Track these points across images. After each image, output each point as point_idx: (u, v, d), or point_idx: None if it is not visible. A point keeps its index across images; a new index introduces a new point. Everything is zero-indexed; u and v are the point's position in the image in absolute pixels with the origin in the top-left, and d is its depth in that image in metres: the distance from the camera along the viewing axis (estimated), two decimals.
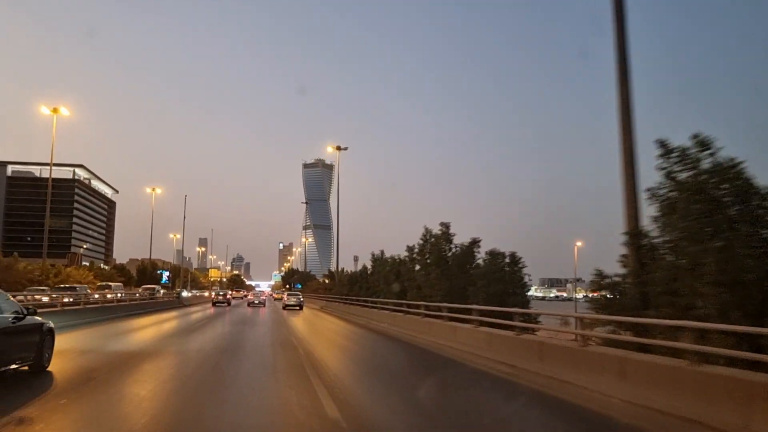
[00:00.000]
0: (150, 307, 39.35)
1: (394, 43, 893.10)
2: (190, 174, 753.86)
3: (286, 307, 50.57)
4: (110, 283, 66.32)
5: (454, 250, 25.04)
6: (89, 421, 7.21)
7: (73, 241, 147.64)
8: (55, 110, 35.64)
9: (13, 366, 9.20)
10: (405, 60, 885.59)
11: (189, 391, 9.27)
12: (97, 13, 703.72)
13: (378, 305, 30.15)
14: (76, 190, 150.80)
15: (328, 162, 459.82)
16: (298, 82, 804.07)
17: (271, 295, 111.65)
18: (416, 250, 28.03)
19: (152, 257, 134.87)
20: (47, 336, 10.39)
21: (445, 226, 26.00)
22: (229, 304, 58.43)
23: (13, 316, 9.31)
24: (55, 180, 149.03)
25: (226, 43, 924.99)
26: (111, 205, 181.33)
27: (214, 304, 56.82)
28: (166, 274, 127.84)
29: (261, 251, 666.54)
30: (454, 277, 22.59)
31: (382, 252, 40.35)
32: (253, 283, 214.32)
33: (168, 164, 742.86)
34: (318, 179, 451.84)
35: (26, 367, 9.76)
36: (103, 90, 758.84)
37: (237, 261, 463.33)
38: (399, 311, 24.76)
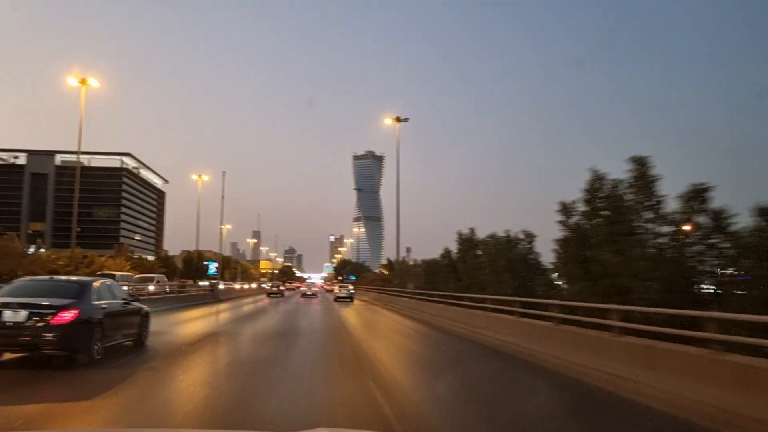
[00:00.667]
0: (173, 302, 31.25)
1: (450, 31, 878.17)
2: (243, 168, 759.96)
3: (337, 299, 50.88)
4: (152, 275, 58.91)
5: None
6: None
7: (122, 232, 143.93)
8: (83, 81, 30.48)
9: (121, 340, 11.88)
10: (459, 50, 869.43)
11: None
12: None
13: (493, 306, 17.89)
14: (124, 179, 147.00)
15: (378, 153, 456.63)
16: (349, 75, 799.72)
17: (323, 286, 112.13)
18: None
19: (206, 250, 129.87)
20: (145, 318, 13.43)
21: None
22: (282, 295, 61.26)
23: (123, 301, 12.24)
24: (102, 169, 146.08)
25: (277, 33, 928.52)
26: (160, 195, 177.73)
27: (268, 295, 59.24)
28: (213, 266, 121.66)
29: (312, 244, 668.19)
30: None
31: (472, 231, 30.79)
32: (304, 275, 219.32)
33: (220, 158, 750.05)
34: (368, 171, 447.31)
35: (130, 342, 12.50)
36: (154, 81, 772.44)
37: (289, 253, 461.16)
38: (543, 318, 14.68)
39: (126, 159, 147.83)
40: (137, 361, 11.14)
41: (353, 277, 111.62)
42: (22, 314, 9.30)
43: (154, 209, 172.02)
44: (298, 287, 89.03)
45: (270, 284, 71.17)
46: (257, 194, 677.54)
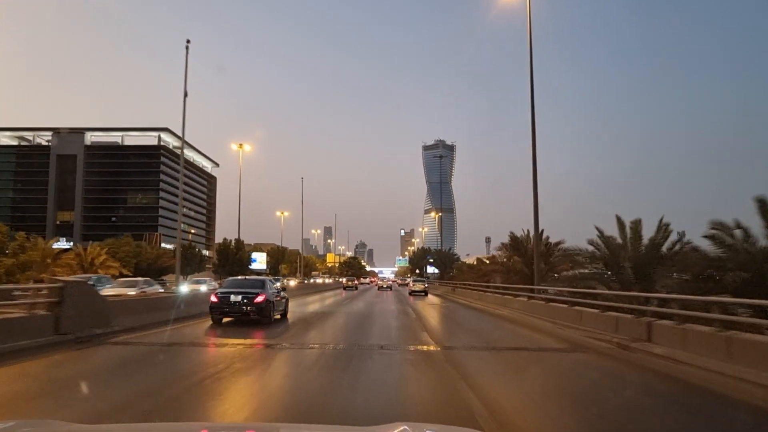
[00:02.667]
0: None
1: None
2: (315, 165, 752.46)
3: (412, 293, 51.36)
4: (137, 278, 36.27)
5: None
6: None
7: (161, 221, 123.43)
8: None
9: (278, 315, 19.73)
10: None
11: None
12: None
13: None
14: (163, 159, 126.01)
15: (448, 142, 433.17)
16: (417, 64, 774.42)
17: (395, 281, 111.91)
18: None
19: (266, 243, 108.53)
20: (286, 301, 21.45)
21: None
22: (356, 288, 68.55)
23: (277, 290, 20.61)
24: (138, 148, 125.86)
25: (346, 24, 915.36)
26: (211, 180, 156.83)
27: (344, 288, 66.74)
28: (261, 257, 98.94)
29: (383, 238, 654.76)
30: None
31: None
32: (375, 269, 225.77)
33: (290, 155, 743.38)
34: (439, 160, 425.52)
35: (278, 316, 19.83)
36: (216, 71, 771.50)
37: (360, 248, 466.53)
38: None
39: (165, 135, 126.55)
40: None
41: (434, 269, 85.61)
42: (240, 297, 17.88)
43: (205, 196, 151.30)
44: (373, 282, 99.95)
45: (345, 279, 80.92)
46: (328, 190, 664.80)
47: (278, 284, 26.04)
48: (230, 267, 78.03)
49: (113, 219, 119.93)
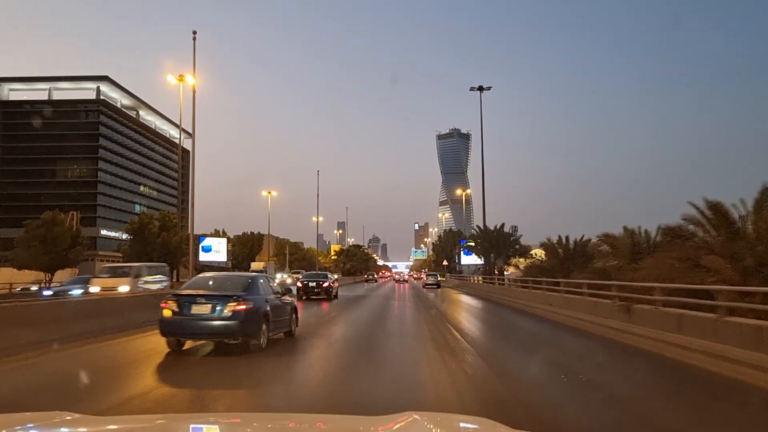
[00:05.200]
0: None
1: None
2: (326, 161, 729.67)
3: (425, 285, 54.34)
4: None
5: None
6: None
7: (100, 198, 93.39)
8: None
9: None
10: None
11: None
12: None
13: None
14: (103, 119, 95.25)
15: (463, 131, 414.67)
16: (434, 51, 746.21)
17: (411, 275, 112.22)
18: None
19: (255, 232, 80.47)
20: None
21: None
22: (376, 281, 79.21)
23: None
24: (69, 102, 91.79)
25: (359, 17, 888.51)
26: (184, 155, 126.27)
27: (366, 281, 76.45)
28: (218, 244, 68.92)
29: (396, 232, 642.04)
30: None
31: None
32: (388, 263, 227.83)
33: (302, 151, 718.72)
34: (454, 150, 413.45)
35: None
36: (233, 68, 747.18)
37: (373, 242, 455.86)
38: None
39: (105, 87, 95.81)
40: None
41: (471, 259, 55.19)
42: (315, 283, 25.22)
43: (176, 173, 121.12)
44: (384, 279, 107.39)
45: (367, 274, 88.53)
46: (340, 184, 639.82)
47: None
48: (151, 256, 48.42)
49: (41, 198, 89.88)
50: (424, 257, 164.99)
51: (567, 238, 29.16)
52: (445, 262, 73.14)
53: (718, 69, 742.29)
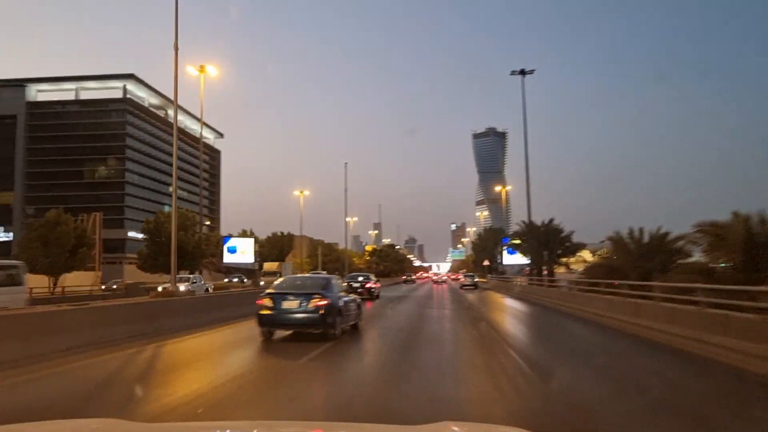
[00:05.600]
0: None
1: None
2: (360, 159, 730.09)
3: (463, 287, 53.89)
4: None
5: None
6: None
7: (127, 200, 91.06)
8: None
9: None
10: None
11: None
12: None
13: None
14: (129, 118, 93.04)
15: (500, 130, 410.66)
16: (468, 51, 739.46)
17: (449, 275, 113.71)
18: None
19: (284, 233, 77.02)
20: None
21: None
22: (414, 282, 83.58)
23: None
24: (96, 102, 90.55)
25: (393, 16, 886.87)
26: (213, 154, 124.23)
27: (405, 281, 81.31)
28: (244, 245, 65.45)
29: (433, 233, 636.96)
30: None
31: None
32: (426, 264, 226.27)
33: (337, 149, 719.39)
34: (490, 149, 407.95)
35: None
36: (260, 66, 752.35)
37: (409, 243, 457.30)
38: None
39: (131, 85, 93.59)
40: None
41: (514, 259, 50.37)
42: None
43: (206, 174, 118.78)
44: (427, 278, 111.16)
45: (405, 275, 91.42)
46: (375, 187, 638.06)
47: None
48: (166, 258, 44.75)
49: (68, 199, 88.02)
50: (462, 257, 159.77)
51: (641, 230, 23.97)
52: (486, 262, 67.74)
53: None
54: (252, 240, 68.15)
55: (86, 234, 41.09)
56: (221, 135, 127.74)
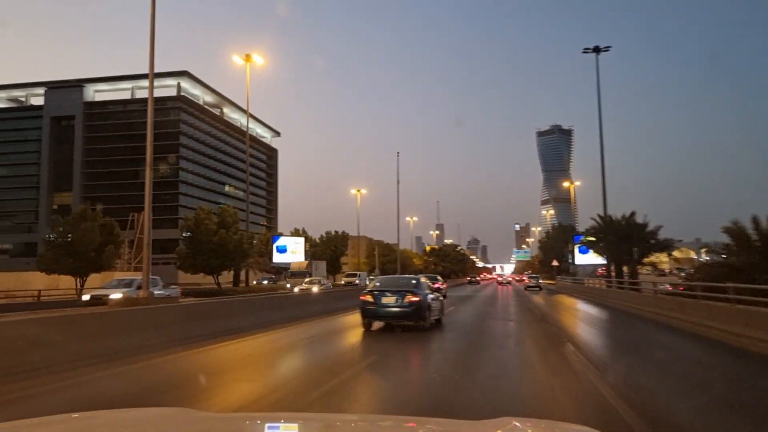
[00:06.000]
0: None
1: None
2: (420, 159, 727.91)
3: (527, 288, 54.75)
4: None
5: None
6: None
7: (182, 199, 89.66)
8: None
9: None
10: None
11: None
12: None
13: None
14: (183, 116, 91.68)
15: (565, 127, 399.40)
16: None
17: (513, 277, 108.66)
18: None
19: (340, 232, 73.70)
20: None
21: None
22: (478, 283, 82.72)
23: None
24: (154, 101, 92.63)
25: (449, 14, 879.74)
26: (270, 153, 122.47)
27: (469, 282, 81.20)
28: (294, 244, 62.07)
29: (496, 234, 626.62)
30: None
31: None
32: (489, 266, 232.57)
33: (394, 147, 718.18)
34: (555, 147, 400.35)
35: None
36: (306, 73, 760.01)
37: (472, 244, 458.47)
38: None
39: (185, 83, 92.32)
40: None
41: (588, 259, 44.47)
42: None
43: (263, 174, 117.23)
44: (491, 280, 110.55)
45: (470, 276, 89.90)
46: (436, 188, 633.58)
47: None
48: (205, 258, 41.63)
49: (124, 200, 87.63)
50: (527, 258, 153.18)
51: None
52: (554, 263, 61.90)
53: None
54: (302, 239, 64.90)
55: (115, 230, 38.14)
56: (278, 134, 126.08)
